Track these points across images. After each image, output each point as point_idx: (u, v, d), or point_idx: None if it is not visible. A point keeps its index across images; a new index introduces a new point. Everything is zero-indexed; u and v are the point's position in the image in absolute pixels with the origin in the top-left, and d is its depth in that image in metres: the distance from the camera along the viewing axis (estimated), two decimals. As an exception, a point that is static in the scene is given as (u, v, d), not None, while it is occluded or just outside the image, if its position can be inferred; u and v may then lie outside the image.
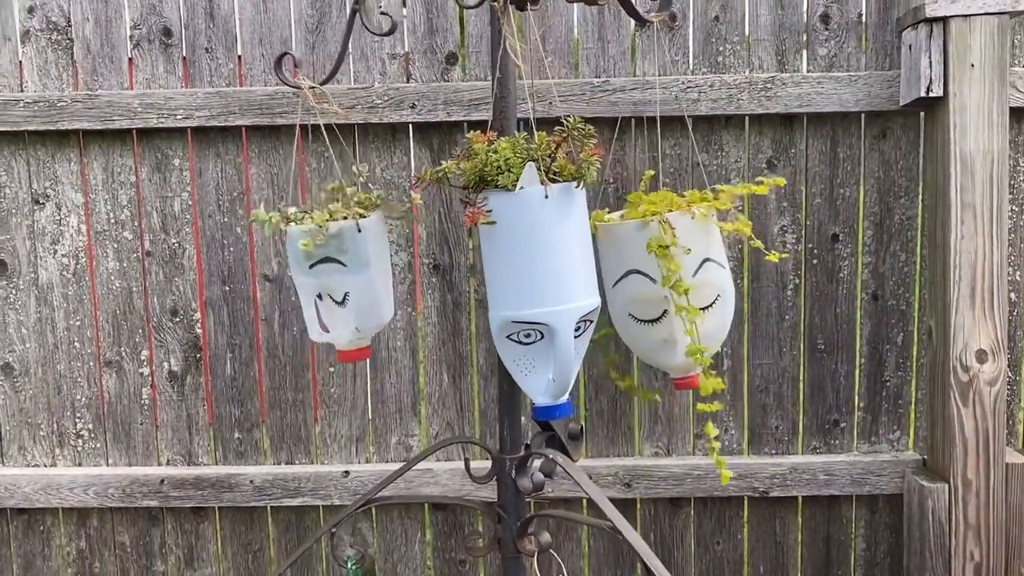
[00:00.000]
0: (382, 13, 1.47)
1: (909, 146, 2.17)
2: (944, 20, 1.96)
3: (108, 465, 2.31)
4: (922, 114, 2.15)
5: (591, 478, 2.23)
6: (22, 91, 2.20)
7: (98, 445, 2.31)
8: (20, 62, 2.20)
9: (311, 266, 1.57)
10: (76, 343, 2.28)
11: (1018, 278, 2.18)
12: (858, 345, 2.24)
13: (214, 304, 2.26)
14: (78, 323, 2.27)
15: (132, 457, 2.31)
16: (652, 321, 1.62)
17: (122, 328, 2.27)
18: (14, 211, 2.25)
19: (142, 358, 2.28)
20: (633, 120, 2.16)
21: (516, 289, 1.32)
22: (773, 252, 1.68)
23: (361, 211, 1.57)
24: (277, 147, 2.20)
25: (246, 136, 2.20)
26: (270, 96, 2.13)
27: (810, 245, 2.20)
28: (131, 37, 2.19)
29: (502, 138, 1.33)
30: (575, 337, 1.37)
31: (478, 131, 1.36)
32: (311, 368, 2.28)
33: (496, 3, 1.30)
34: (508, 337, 1.37)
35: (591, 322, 1.42)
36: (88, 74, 2.19)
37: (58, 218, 2.24)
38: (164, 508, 2.31)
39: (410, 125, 2.18)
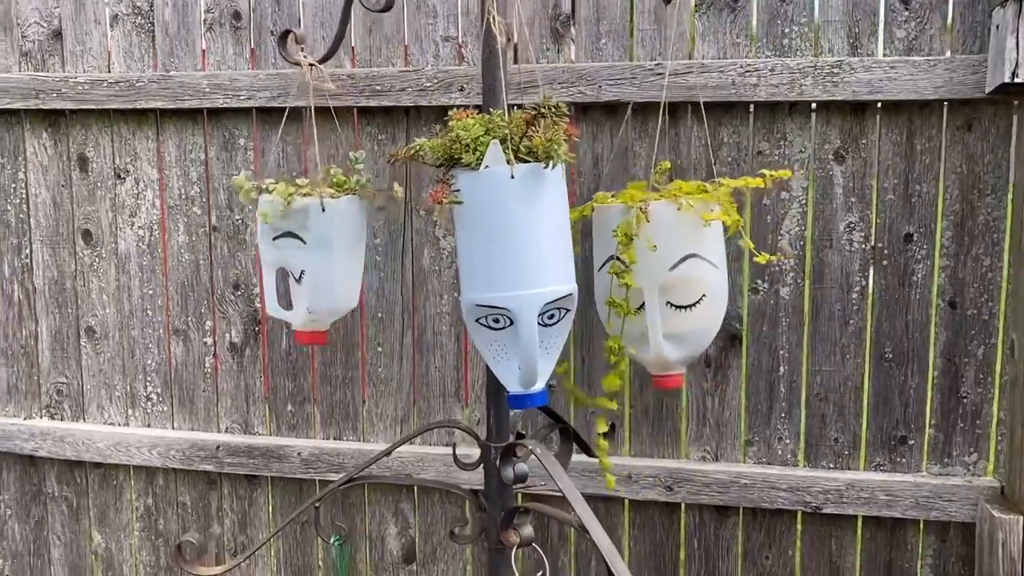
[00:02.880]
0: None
1: (999, 139, 1.95)
2: (1035, -4, 1.74)
3: (173, 428, 2.44)
4: (1015, 103, 1.93)
5: (631, 478, 2.15)
6: (109, 71, 2.34)
7: (165, 408, 2.44)
8: (108, 45, 2.35)
9: (274, 238, 1.59)
10: (148, 311, 2.41)
11: None
12: (932, 356, 2.04)
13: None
14: (151, 292, 2.40)
15: (195, 422, 2.42)
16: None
17: (189, 299, 2.38)
18: (99, 184, 2.40)
19: (206, 328, 2.39)
20: (689, 106, 2.05)
21: (481, 272, 1.28)
22: (763, 253, 1.55)
23: (332, 191, 1.57)
24: (334, 128, 2.24)
25: (305, 117, 2.25)
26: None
27: (880, 245, 2.03)
28: (204, 20, 2.28)
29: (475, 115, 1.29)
30: (547, 325, 1.32)
31: (462, 109, 1.33)
32: (360, 347, 2.31)
33: (481, -21, 1.26)
34: (478, 321, 1.33)
35: (567, 310, 1.35)
36: (166, 56, 2.31)
37: (136, 192, 2.38)
38: (220, 473, 2.41)
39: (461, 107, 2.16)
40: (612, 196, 1.61)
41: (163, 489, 2.47)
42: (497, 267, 1.26)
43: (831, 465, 2.11)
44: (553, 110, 1.24)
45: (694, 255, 1.51)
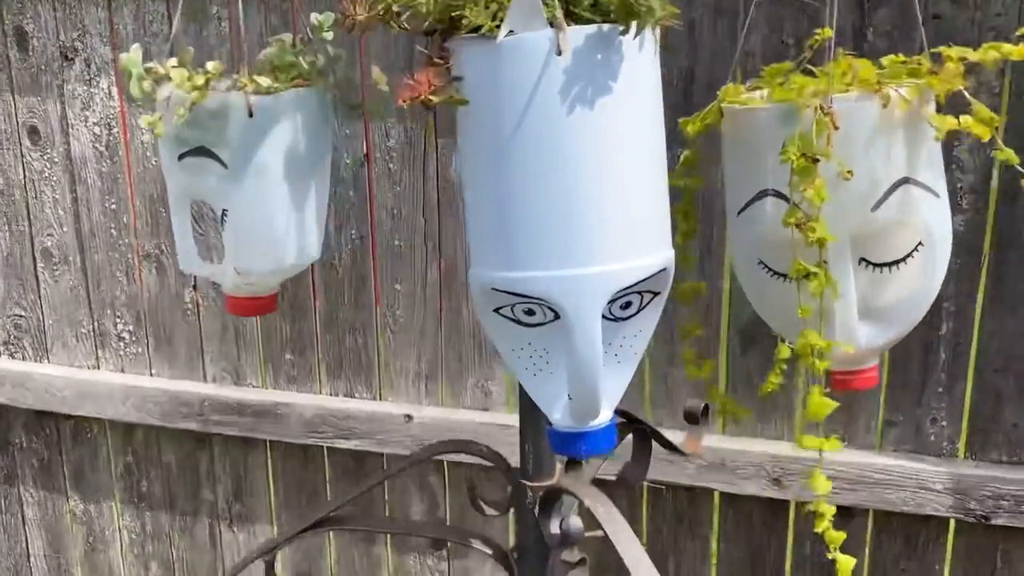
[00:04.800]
0: None
1: None
2: None
3: (151, 375, 1.97)
4: None
5: (724, 465, 1.62)
6: (42, -84, 1.78)
7: (139, 350, 1.97)
8: None
9: (180, 156, 1.03)
10: (113, 230, 1.92)
11: None
12: None
13: (262, 193, 1.79)
14: (114, 207, 1.90)
15: (175, 368, 1.95)
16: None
17: (160, 216, 1.88)
18: (43, 68, 1.87)
19: (183, 254, 1.88)
20: (833, -49, 1.40)
21: (499, 231, 0.72)
22: None
23: (268, 82, 1.00)
24: (331, -11, 1.65)
25: (292, -26, 1.67)
26: (313, -84, 1.57)
27: (1111, 155, 1.38)
28: None
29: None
30: (620, 319, 0.76)
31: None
32: (372, 283, 1.79)
33: None
34: (498, 312, 0.77)
35: (656, 294, 0.79)
36: None
37: (88, 77, 1.85)
38: (208, 434, 1.96)
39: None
40: (750, 88, 1.01)
41: (143, 447, 2.03)
42: (530, 224, 0.70)
43: (1004, 459, 1.54)
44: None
45: (907, 180, 0.92)
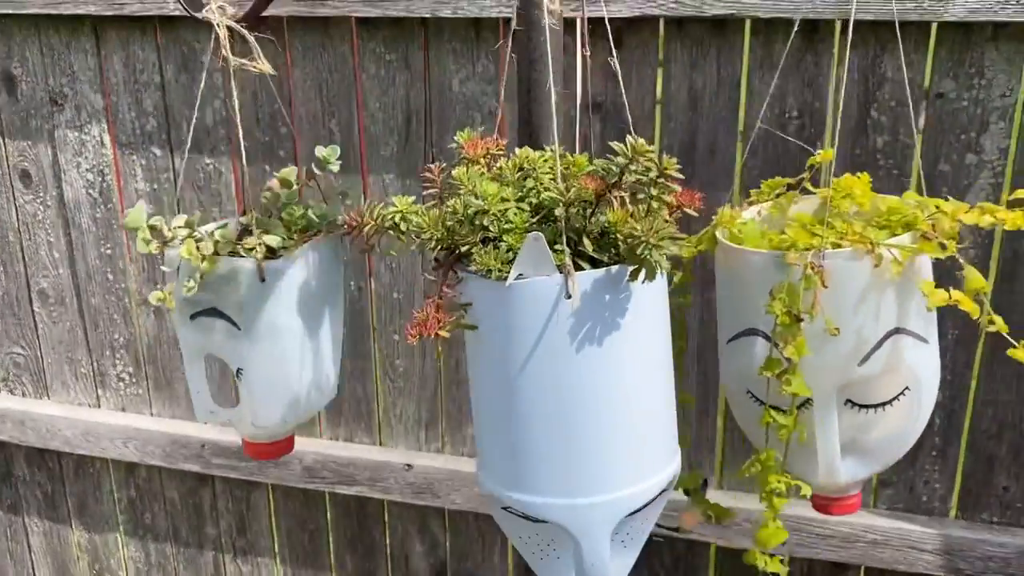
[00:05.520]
0: None
1: None
2: None
3: (152, 415, 1.98)
4: None
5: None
6: (27, -40, 1.73)
7: (140, 392, 1.98)
8: (21, -79, 1.72)
9: (192, 316, 1.03)
10: (109, 274, 1.91)
11: None
12: None
13: (259, 242, 1.78)
14: (109, 251, 1.89)
15: (176, 409, 1.96)
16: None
17: (156, 261, 1.87)
18: (33, 112, 1.84)
19: (180, 300, 1.88)
20: (838, 24, 1.38)
21: (507, 452, 0.73)
22: (1021, 346, 0.94)
23: (280, 239, 0.99)
24: (325, 45, 1.62)
25: (287, 29, 1.64)
26: (306, -23, 1.53)
27: (1111, 236, 1.39)
28: None
29: (502, 157, 0.68)
30: (628, 514, 0.77)
31: (481, 137, 0.72)
32: (371, 335, 1.79)
33: None
34: (506, 509, 0.78)
35: (664, 491, 0.80)
36: (97, -62, 1.68)
37: (79, 124, 1.82)
38: (210, 475, 1.98)
39: (499, 20, 1.52)
40: (744, 208, 1.01)
41: (146, 482, 2.06)
42: (538, 453, 0.71)
43: (995, 520, 1.57)
44: (648, 166, 0.63)
45: (898, 330, 0.94)
